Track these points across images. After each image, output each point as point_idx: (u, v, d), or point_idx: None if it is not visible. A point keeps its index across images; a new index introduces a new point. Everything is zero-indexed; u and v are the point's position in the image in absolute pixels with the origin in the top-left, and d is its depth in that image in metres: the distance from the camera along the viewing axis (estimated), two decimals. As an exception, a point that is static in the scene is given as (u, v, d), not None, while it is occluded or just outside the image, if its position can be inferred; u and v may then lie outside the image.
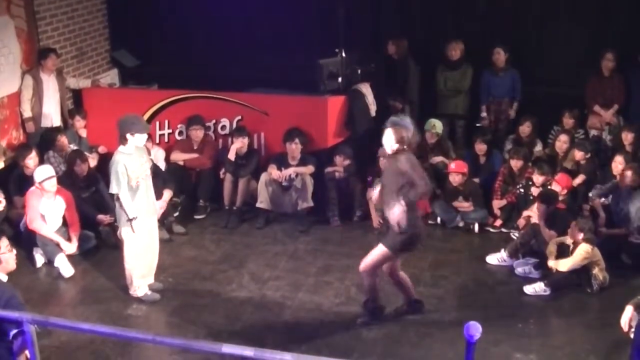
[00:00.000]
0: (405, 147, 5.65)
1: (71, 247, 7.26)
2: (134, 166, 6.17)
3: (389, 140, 5.67)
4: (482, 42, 9.07)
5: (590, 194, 7.52)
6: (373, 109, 8.67)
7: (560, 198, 7.28)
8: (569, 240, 6.67)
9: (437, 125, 8.52)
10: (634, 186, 7.13)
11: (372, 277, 5.95)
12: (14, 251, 5.14)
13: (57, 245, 7.16)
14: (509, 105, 9.09)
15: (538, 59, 9.22)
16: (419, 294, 6.31)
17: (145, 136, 6.26)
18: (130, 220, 6.20)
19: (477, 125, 9.13)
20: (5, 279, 4.68)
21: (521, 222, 7.55)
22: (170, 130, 8.91)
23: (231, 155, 8.23)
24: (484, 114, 9.20)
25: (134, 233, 6.26)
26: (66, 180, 7.63)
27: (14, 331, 4.22)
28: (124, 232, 6.31)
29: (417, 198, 5.68)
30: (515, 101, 9.07)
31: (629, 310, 5.48)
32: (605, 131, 8.70)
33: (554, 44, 9.18)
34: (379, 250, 5.83)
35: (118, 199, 6.17)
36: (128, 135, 6.11)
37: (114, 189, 6.14)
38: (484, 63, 9.07)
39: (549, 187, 7.46)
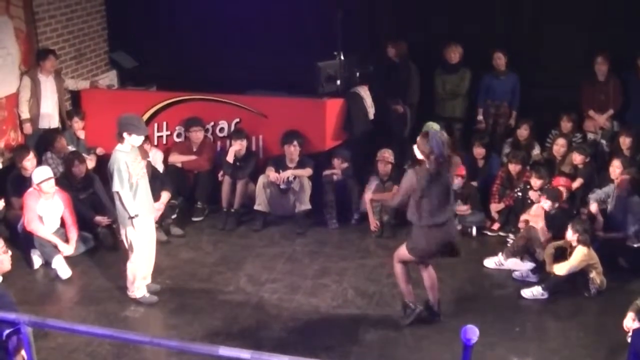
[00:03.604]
0: (428, 158, 5.56)
1: (69, 249, 7.26)
2: (132, 164, 6.16)
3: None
4: (481, 45, 9.07)
5: (588, 198, 7.52)
6: (371, 111, 8.67)
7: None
8: (566, 244, 6.68)
9: (434, 128, 8.51)
10: (632, 190, 7.13)
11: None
12: (9, 252, 5.13)
13: (55, 246, 7.15)
14: (507, 109, 9.11)
15: (536, 63, 9.23)
16: (416, 296, 6.29)
17: (142, 138, 6.26)
18: (131, 218, 6.18)
19: (475, 127, 9.16)
20: None
21: (521, 225, 7.54)
22: (168, 132, 8.91)
23: (229, 158, 8.23)
24: (480, 117, 9.21)
25: (135, 230, 6.23)
26: (64, 182, 7.63)
27: (7, 331, 4.20)
28: (130, 232, 6.27)
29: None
30: (514, 109, 9.08)
31: (630, 317, 5.50)
32: (599, 135, 8.70)
33: (552, 48, 9.18)
34: None
35: (119, 198, 6.11)
36: (125, 134, 6.09)
37: (116, 186, 6.07)
38: (482, 66, 9.08)
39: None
